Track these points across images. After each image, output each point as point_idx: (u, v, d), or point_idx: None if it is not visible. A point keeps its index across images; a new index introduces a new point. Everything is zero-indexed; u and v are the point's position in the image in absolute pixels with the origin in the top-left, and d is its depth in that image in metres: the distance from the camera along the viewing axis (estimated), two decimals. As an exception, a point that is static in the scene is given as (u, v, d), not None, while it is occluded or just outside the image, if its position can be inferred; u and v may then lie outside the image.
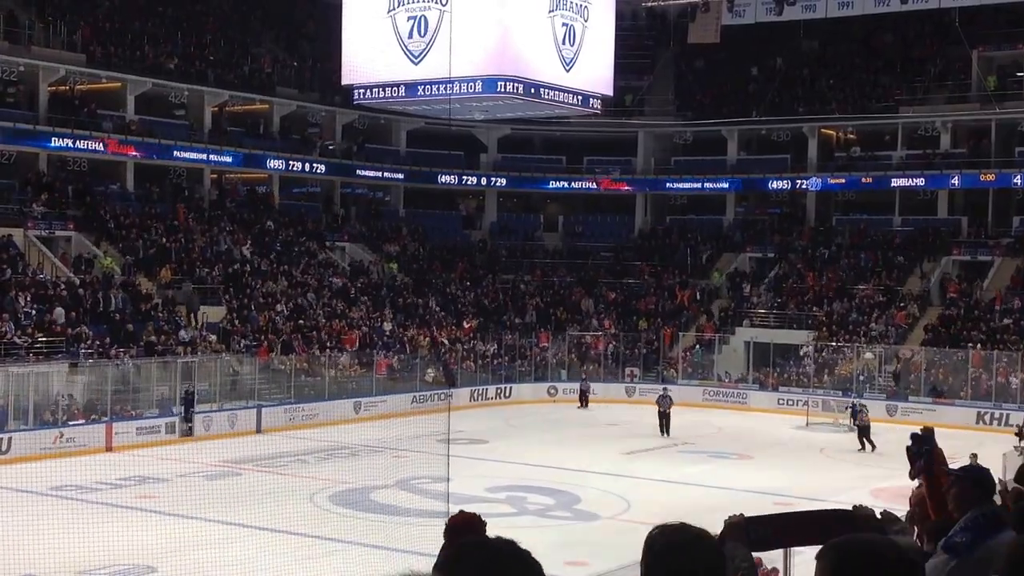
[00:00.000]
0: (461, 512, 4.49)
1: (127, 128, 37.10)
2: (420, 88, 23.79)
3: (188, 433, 29.52)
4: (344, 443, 29.97)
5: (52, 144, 35.28)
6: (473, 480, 24.73)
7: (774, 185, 46.89)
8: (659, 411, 32.54)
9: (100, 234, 35.37)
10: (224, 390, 31.53)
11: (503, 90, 23.22)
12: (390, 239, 45.23)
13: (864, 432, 30.33)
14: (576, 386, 38.86)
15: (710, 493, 24.48)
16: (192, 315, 33.67)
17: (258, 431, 30.95)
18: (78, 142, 35.63)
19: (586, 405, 37.69)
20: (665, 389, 33.96)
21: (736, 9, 42.31)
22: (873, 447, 29.83)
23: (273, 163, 41.74)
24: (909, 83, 45.49)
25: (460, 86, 23.23)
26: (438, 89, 23.48)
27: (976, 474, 4.60)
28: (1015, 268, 40.15)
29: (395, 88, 24.21)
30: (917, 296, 40.49)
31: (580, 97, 24.94)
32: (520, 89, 23.35)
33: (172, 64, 38.84)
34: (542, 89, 23.80)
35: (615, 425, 34.55)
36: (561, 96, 24.40)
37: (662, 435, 32.13)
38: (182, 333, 32.74)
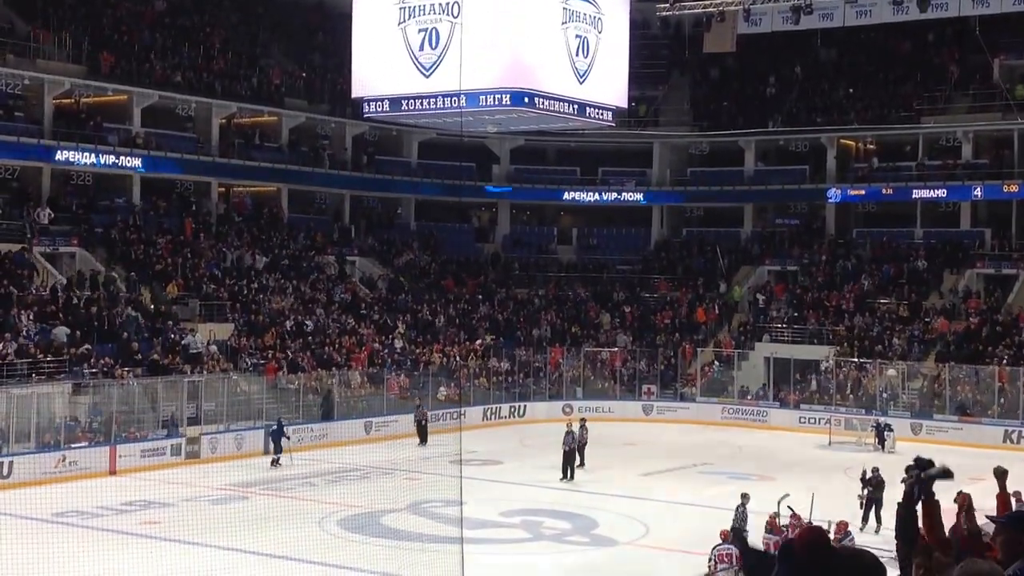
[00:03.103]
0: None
1: (133, 141, 36.55)
2: (431, 101, 23.34)
3: (276, 463, 29.09)
4: (354, 465, 29.40)
5: (57, 158, 34.69)
6: (487, 504, 24.18)
7: (792, 197, 46.23)
8: (565, 450, 28.53)
9: (105, 250, 34.80)
10: (232, 410, 30.89)
11: (516, 103, 22.70)
12: (401, 252, 44.61)
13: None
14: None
15: (730, 516, 23.78)
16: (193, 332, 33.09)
17: (266, 452, 30.30)
18: (83, 156, 35.04)
19: (424, 441, 32.35)
20: (582, 421, 30.05)
21: (752, 18, 41.54)
22: None
23: (282, 175, 41.25)
24: (929, 92, 44.73)
25: (472, 99, 22.70)
26: (449, 102, 23.02)
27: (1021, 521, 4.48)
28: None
29: (406, 101, 23.75)
30: (941, 311, 39.64)
31: (594, 109, 24.44)
32: (533, 102, 22.86)
33: (179, 76, 38.27)
34: (556, 102, 23.31)
35: (632, 445, 33.86)
36: (575, 109, 23.90)
37: (565, 478, 28.19)
38: (187, 339, 32.15)
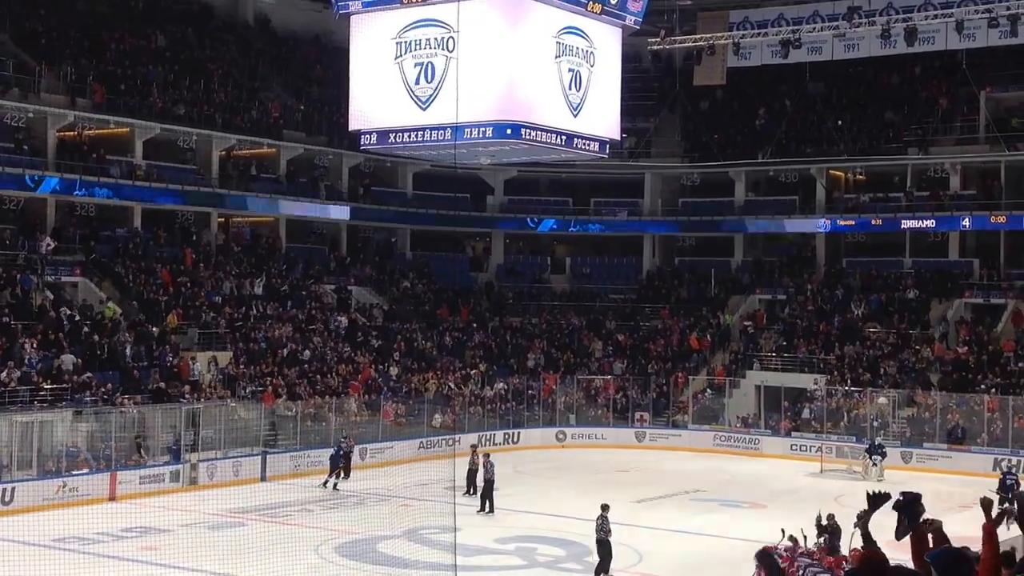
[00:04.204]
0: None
1: (135, 173, 37.11)
2: (427, 134, 23.90)
3: (336, 487, 29.81)
4: (350, 491, 29.73)
5: (60, 190, 35.20)
6: (482, 530, 24.54)
7: (783, 227, 46.87)
8: (469, 468, 28.78)
9: (107, 279, 35.29)
10: (229, 437, 31.28)
11: (510, 136, 23.27)
12: (397, 281, 45.14)
13: None
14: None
15: (723, 544, 24.18)
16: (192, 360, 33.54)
17: (263, 479, 30.68)
18: (86, 187, 35.57)
19: (347, 475, 30.79)
20: (486, 456, 28.53)
21: (742, 52, 42.34)
22: None
23: (280, 206, 41.81)
24: (917, 124, 45.47)
25: (467, 132, 23.29)
26: (445, 135, 23.56)
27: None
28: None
29: (402, 134, 24.31)
30: (930, 339, 40.18)
31: (587, 142, 24.98)
32: (527, 135, 23.41)
33: (180, 109, 38.89)
34: (549, 134, 23.83)
35: (625, 471, 34.27)
36: (568, 141, 24.45)
37: (469, 492, 28.40)
38: (195, 366, 32.75)
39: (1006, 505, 26.21)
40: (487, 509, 27.15)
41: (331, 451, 30.84)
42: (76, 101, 36.09)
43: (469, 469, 28.93)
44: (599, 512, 21.42)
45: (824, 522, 19.50)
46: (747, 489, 31.68)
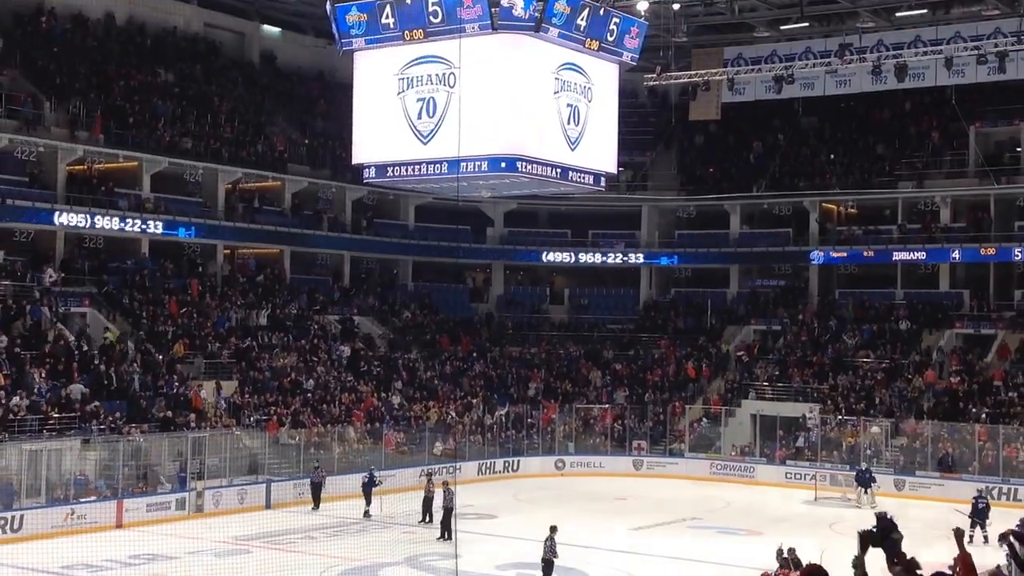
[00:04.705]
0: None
1: (143, 206, 37.80)
2: (428, 167, 24.15)
3: (368, 515, 30.35)
4: (353, 518, 30.19)
5: (69, 222, 35.89)
6: (482, 557, 24.91)
7: (776, 259, 47.63)
8: (425, 496, 29.32)
9: (115, 310, 35.89)
10: (234, 465, 31.78)
11: (504, 169, 23.51)
12: (399, 312, 45.76)
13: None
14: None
15: (720, 571, 24.67)
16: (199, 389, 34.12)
17: (267, 507, 31.16)
18: (95, 220, 36.24)
19: (317, 506, 30.99)
20: (445, 485, 28.12)
21: (736, 87, 43.05)
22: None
23: (285, 238, 42.57)
24: (908, 158, 46.25)
25: (468, 166, 23.49)
26: (446, 168, 23.85)
27: None
28: (1019, 342, 40.50)
29: (404, 168, 24.57)
30: (923, 366, 40.77)
31: (585, 175, 25.26)
32: (526, 168, 23.68)
33: (187, 143, 39.65)
34: (548, 168, 24.17)
35: (623, 499, 34.74)
36: (566, 175, 24.74)
37: (425, 520, 28.99)
38: (203, 393, 33.43)
39: (977, 529, 27.12)
40: (446, 537, 26.83)
41: (362, 479, 31.20)
42: (77, 135, 36.69)
43: (424, 497, 29.37)
44: (547, 533, 22.14)
45: (785, 555, 19.73)
46: (743, 517, 32.17)
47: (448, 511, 26.99)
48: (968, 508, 27.98)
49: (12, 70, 37.31)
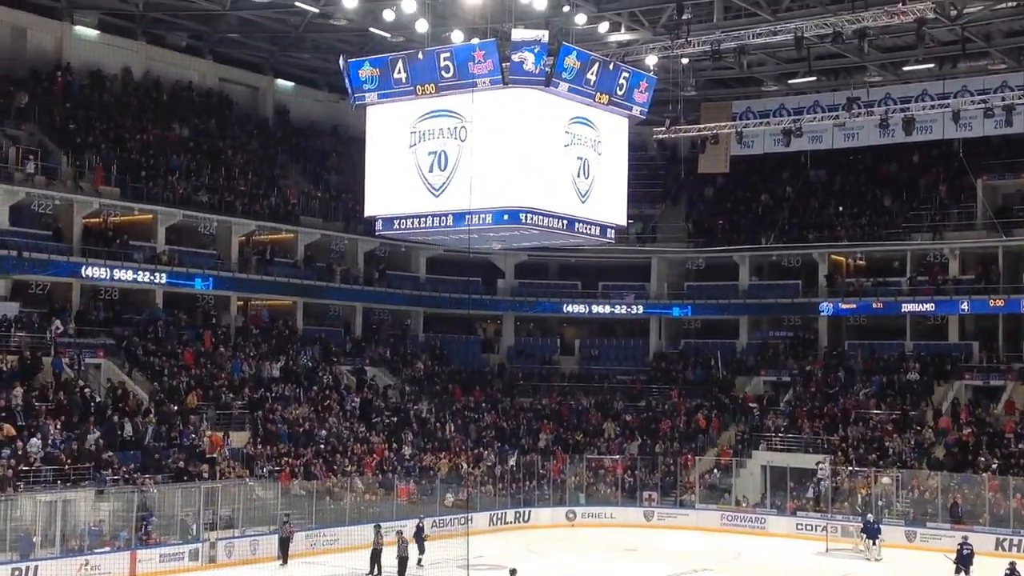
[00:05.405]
0: None
1: (158, 258, 38.26)
2: (439, 220, 24.39)
3: (420, 564, 30.32)
4: (365, 569, 30.14)
5: (85, 274, 36.34)
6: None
7: (786, 310, 47.83)
8: (373, 548, 29.30)
9: (129, 361, 36.20)
10: (247, 516, 31.86)
11: (520, 222, 23.72)
12: (410, 363, 45.99)
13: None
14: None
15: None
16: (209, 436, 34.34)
17: (279, 558, 31.15)
18: (113, 272, 36.67)
19: (285, 561, 30.39)
20: (399, 533, 29.23)
21: (745, 140, 43.64)
22: None
23: (297, 290, 42.97)
24: (916, 211, 46.57)
25: (478, 218, 23.74)
26: (457, 221, 24.10)
27: None
28: (1028, 393, 40.62)
29: (416, 220, 24.82)
30: (931, 421, 40.79)
31: (595, 227, 25.46)
32: (537, 221, 23.89)
33: (202, 196, 40.18)
34: (558, 221, 24.38)
35: (634, 550, 34.70)
36: (576, 227, 24.95)
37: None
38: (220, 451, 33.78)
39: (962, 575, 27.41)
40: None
41: (415, 527, 31.22)
42: (91, 188, 37.13)
43: (373, 550, 29.24)
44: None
45: None
46: (754, 568, 32.18)
47: (402, 560, 28.14)
48: (954, 555, 28.74)
49: (30, 125, 37.95)
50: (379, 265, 46.74)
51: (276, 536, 30.99)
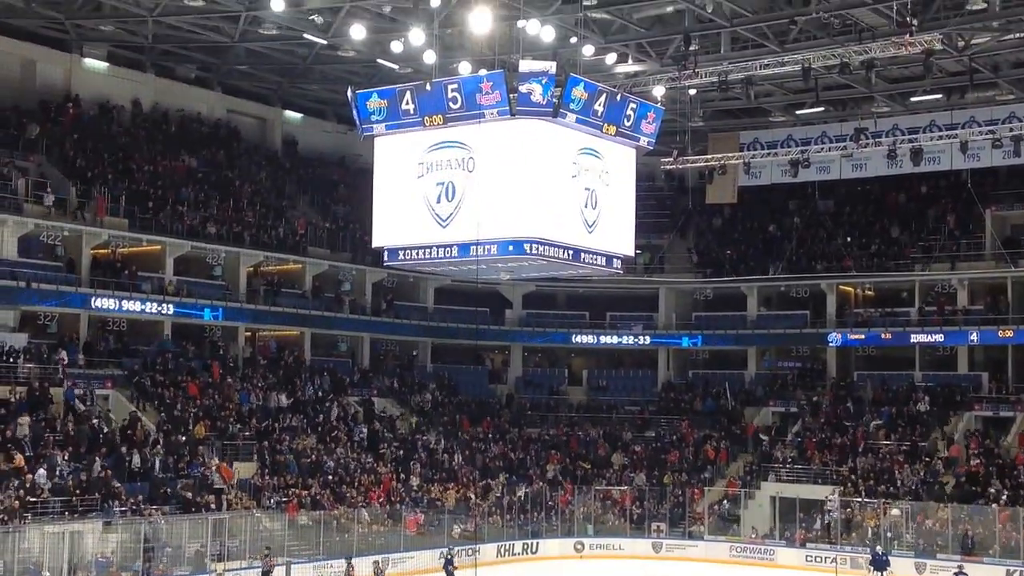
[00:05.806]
0: None
1: (165, 289, 38.34)
2: (446, 250, 24.39)
3: None
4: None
5: (94, 305, 36.40)
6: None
7: (794, 341, 47.69)
8: None
9: (137, 391, 36.19)
10: (254, 547, 31.73)
11: (528, 252, 23.72)
12: (418, 393, 45.94)
13: None
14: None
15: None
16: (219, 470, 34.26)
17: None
18: (121, 303, 36.75)
19: None
20: (376, 564, 31.07)
21: (752, 171, 43.77)
22: None
23: (305, 320, 42.95)
24: (924, 241, 46.52)
25: (486, 249, 23.74)
26: (463, 252, 24.10)
27: None
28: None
29: (423, 251, 24.82)
30: (942, 452, 40.58)
31: (603, 258, 25.45)
32: (543, 252, 23.89)
33: (210, 228, 40.31)
34: (565, 251, 24.36)
35: (642, 583, 34.54)
36: (583, 258, 24.94)
37: None
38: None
39: None
40: None
41: (444, 558, 31.94)
42: (85, 217, 37.12)
43: None
44: None
45: None
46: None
47: None
48: None
49: (38, 156, 38.14)
50: (387, 296, 46.79)
51: (283, 567, 30.82)
